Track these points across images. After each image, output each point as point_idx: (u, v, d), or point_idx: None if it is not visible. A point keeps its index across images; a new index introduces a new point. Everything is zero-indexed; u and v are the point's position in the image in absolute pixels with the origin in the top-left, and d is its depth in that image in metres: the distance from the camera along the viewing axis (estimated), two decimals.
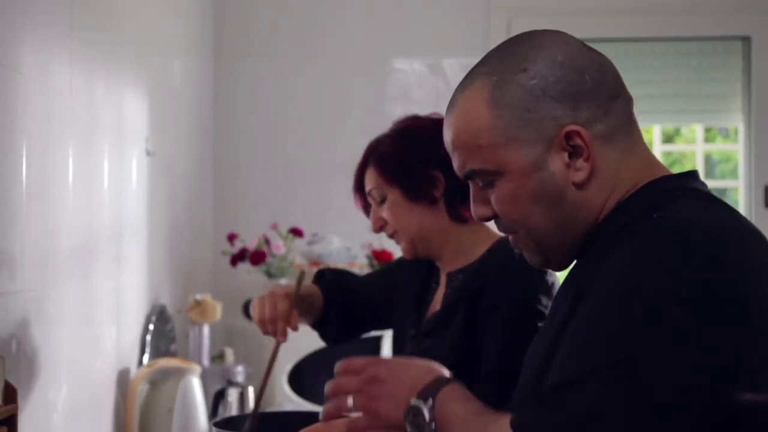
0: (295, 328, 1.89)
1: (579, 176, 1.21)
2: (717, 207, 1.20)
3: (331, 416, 1.29)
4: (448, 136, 1.28)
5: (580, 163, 1.21)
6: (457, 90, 1.29)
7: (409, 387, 1.21)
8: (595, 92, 1.21)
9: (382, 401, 1.23)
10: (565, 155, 1.21)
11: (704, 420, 1.05)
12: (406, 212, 1.89)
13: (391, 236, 1.94)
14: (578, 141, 1.20)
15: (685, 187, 1.23)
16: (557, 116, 1.20)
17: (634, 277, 1.10)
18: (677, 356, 1.05)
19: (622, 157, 1.23)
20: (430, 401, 1.19)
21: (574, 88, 1.20)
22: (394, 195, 1.89)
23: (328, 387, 1.29)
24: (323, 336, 2.13)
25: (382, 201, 1.91)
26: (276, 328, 1.87)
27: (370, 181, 1.92)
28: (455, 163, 1.29)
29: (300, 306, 1.95)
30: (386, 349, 3.03)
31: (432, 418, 1.19)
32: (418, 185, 1.87)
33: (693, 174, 1.26)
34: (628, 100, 1.25)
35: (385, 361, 1.29)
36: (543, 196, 1.22)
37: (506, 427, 1.11)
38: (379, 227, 1.94)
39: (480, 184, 1.28)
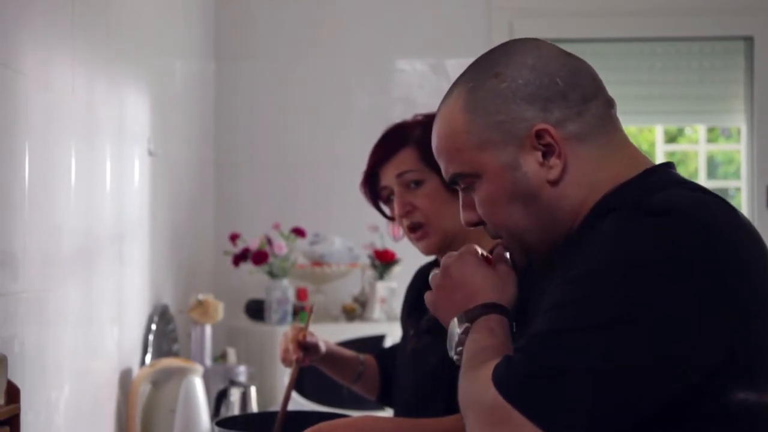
0: (304, 338, 1.96)
1: (552, 174, 1.24)
2: (703, 192, 1.22)
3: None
4: (433, 143, 1.33)
5: (553, 160, 1.23)
6: (441, 100, 1.33)
7: (462, 304, 1.28)
8: (565, 94, 1.24)
9: (441, 306, 1.33)
10: (539, 154, 1.24)
11: (661, 397, 1.08)
12: (442, 203, 1.85)
13: (414, 226, 1.88)
14: (548, 139, 1.23)
15: (668, 178, 1.24)
16: (527, 117, 1.23)
17: (621, 244, 1.13)
18: (656, 327, 1.07)
19: (600, 156, 1.25)
20: (466, 326, 1.26)
21: (543, 91, 1.24)
22: (433, 182, 1.86)
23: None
24: (391, 404, 2.12)
25: (416, 185, 1.88)
26: (288, 354, 1.97)
27: (407, 162, 1.88)
28: (442, 169, 1.33)
29: (330, 359, 2.04)
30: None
31: (459, 342, 1.26)
32: None
33: (670, 164, 1.28)
34: (607, 103, 1.27)
35: (461, 267, 1.33)
36: (519, 196, 1.25)
37: (490, 372, 1.13)
38: (407, 212, 1.88)
39: (462, 187, 1.32)
